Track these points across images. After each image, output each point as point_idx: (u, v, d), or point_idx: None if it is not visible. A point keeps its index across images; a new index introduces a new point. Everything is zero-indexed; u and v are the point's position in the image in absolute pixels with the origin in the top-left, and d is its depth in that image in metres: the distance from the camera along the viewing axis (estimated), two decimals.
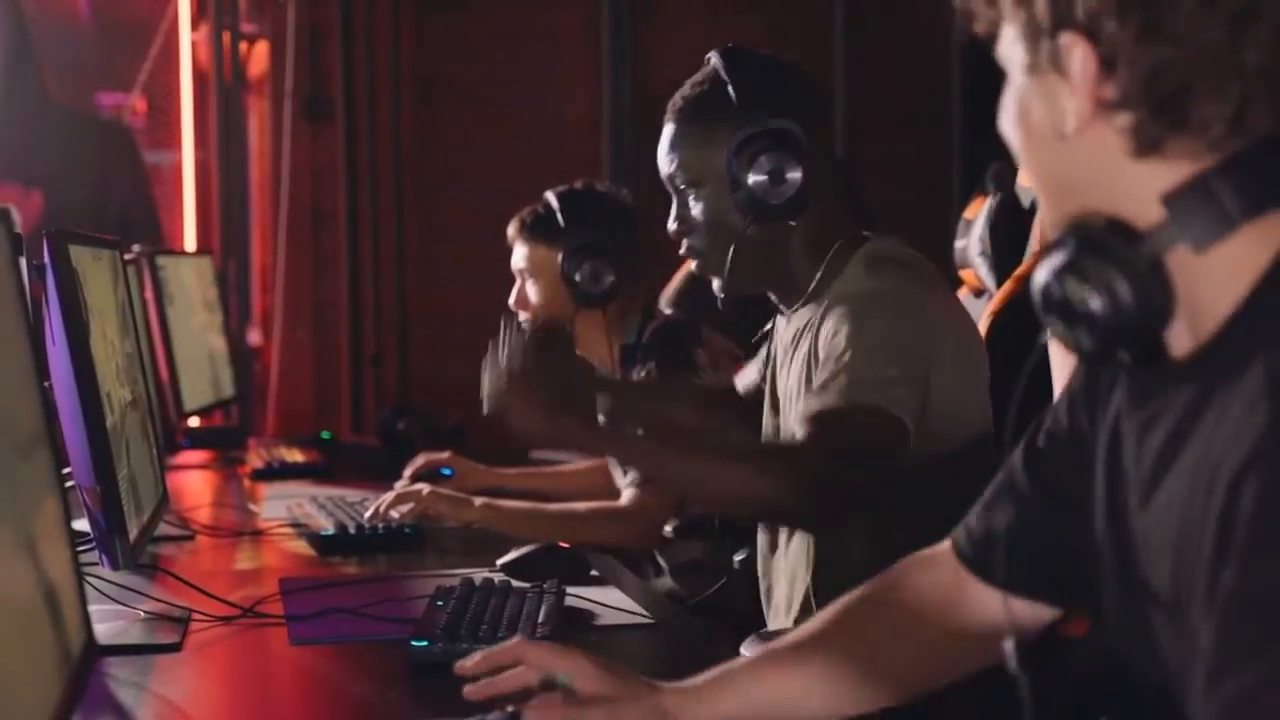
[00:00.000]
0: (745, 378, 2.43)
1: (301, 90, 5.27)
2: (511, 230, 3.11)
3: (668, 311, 3.27)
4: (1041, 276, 1.14)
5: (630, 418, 2.14)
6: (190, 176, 5.25)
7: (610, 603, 2.08)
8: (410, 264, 5.36)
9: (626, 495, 2.92)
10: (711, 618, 2.86)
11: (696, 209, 2.11)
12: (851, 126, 5.56)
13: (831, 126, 2.20)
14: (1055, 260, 1.13)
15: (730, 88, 2.06)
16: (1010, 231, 2.70)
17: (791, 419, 2.09)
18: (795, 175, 2.04)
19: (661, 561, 3.04)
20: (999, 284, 2.68)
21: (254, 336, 5.38)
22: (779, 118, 2.05)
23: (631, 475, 2.93)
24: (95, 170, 5.02)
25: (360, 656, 1.83)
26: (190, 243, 5.24)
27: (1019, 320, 1.57)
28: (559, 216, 3.03)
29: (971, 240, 2.83)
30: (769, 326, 2.32)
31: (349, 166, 5.31)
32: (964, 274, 2.90)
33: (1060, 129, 1.15)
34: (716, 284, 2.14)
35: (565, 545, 2.26)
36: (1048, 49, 1.15)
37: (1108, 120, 1.13)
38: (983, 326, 2.38)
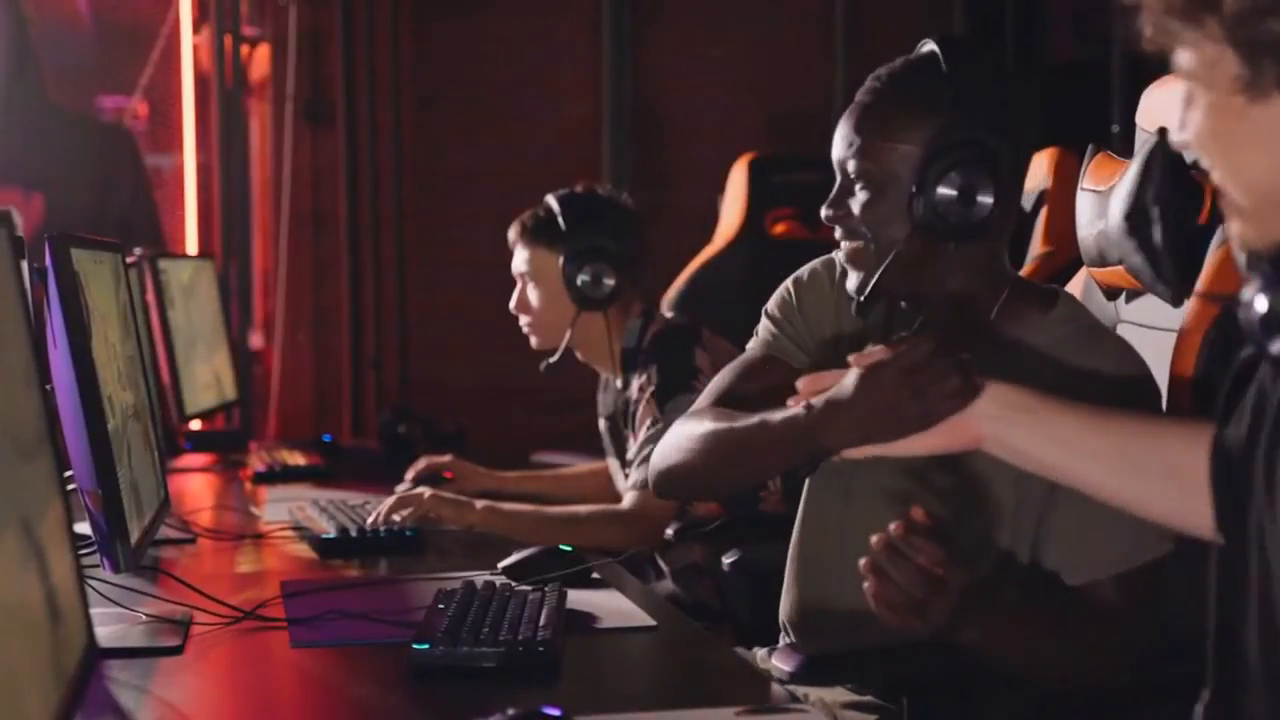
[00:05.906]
0: None
1: (302, 93, 5.28)
2: (512, 234, 3.10)
3: (669, 315, 3.26)
4: (1261, 294, 1.11)
5: None
6: (191, 180, 5.26)
7: (611, 606, 2.08)
8: (411, 267, 5.36)
9: (628, 498, 2.92)
10: (713, 621, 2.86)
11: (860, 201, 1.87)
12: None
13: (1032, 155, 1.93)
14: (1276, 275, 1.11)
15: (947, 82, 1.83)
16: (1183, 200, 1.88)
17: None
18: (986, 200, 1.81)
19: (663, 565, 3.03)
20: (1179, 276, 1.90)
21: (255, 340, 5.38)
22: (992, 132, 1.81)
23: (633, 478, 2.92)
24: (96, 173, 5.03)
25: (362, 659, 1.83)
26: (191, 246, 5.25)
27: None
28: (560, 220, 3.03)
29: (1112, 220, 1.94)
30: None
31: (350, 170, 5.31)
32: (1102, 273, 2.06)
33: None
34: (853, 280, 1.90)
35: (566, 548, 2.25)
36: (1274, 71, 1.14)
37: None
38: (1173, 361, 1.88)
